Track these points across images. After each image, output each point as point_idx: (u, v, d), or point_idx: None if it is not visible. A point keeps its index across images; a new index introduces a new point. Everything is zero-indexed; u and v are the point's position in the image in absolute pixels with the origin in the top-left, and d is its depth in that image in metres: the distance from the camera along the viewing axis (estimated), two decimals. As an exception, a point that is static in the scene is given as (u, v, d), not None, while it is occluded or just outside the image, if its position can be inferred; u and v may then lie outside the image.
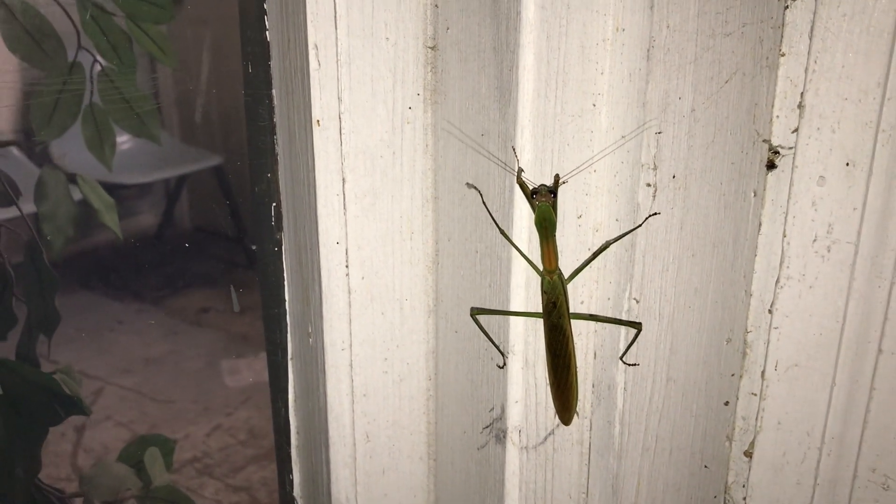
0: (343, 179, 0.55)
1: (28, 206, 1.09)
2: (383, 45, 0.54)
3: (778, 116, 0.53)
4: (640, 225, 0.51)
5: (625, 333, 0.53)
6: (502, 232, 0.52)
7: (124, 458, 0.99)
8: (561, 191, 0.51)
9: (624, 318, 0.53)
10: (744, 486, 0.61)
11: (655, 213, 0.51)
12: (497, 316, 0.54)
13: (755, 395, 0.58)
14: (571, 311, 0.52)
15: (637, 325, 0.51)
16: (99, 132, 1.11)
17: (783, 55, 0.52)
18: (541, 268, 0.51)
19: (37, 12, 1.07)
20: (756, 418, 0.59)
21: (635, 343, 0.53)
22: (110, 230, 1.15)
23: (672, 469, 0.59)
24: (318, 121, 0.53)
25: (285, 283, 0.62)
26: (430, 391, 0.63)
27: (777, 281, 0.55)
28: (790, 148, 0.53)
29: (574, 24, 0.48)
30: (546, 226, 0.48)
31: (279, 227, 0.60)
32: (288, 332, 0.63)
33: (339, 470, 0.62)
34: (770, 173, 0.55)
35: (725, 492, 0.62)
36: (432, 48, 0.55)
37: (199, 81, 0.93)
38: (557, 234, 0.52)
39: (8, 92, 1.27)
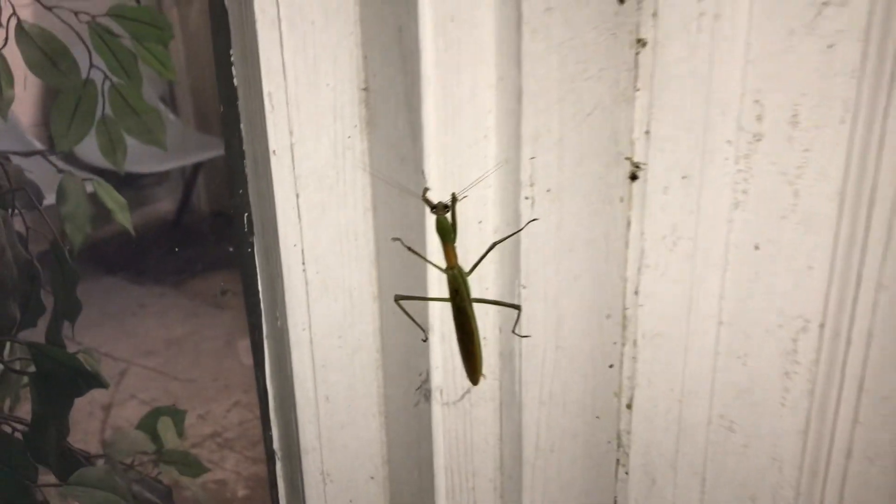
0: (297, 195, 0.70)
1: (50, 203, 1.24)
2: (325, 90, 0.68)
3: (638, 139, 0.67)
4: (521, 229, 0.65)
5: (525, 312, 0.68)
6: (408, 248, 0.66)
7: (141, 427, 1.15)
8: (466, 202, 0.66)
9: (517, 300, 0.68)
10: (628, 433, 0.75)
11: (535, 219, 0.65)
12: (418, 301, 0.69)
13: (634, 359, 0.73)
14: (475, 296, 0.67)
15: (517, 307, 0.66)
16: (111, 140, 1.26)
17: (638, 90, 0.66)
18: (444, 265, 0.65)
19: (53, 36, 1.23)
20: (633, 377, 0.73)
21: (522, 319, 0.68)
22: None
23: (567, 419, 0.74)
24: (273, 151, 0.68)
25: (258, 276, 0.77)
26: (379, 361, 0.78)
27: (639, 269, 0.69)
28: (646, 164, 0.67)
29: (465, 75, 0.63)
30: (443, 234, 0.63)
31: (251, 232, 0.75)
32: (262, 316, 0.78)
33: (306, 426, 0.77)
34: (634, 183, 0.69)
35: (617, 438, 0.77)
36: (365, 89, 0.70)
37: (188, 109, 1.09)
38: (464, 235, 0.67)
39: (32, 108, 1.44)
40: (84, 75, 1.27)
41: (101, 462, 1.03)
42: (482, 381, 0.70)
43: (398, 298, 0.68)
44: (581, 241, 0.68)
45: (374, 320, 0.77)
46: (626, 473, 0.76)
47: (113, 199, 1.31)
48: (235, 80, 0.72)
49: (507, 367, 0.71)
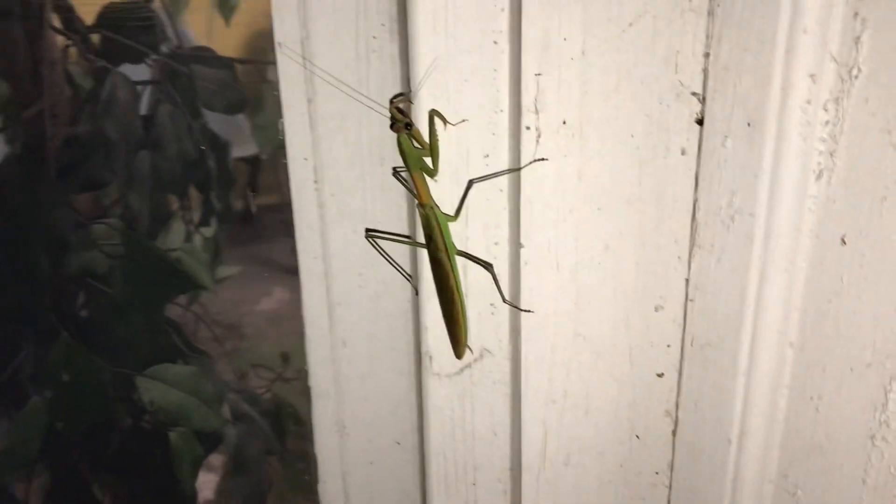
0: (308, 100, 0.60)
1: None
2: (346, -24, 0.57)
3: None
4: (518, 169, 0.50)
5: (526, 279, 0.53)
6: (397, 178, 0.54)
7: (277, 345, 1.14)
8: (467, 128, 0.52)
9: (518, 263, 0.53)
10: (672, 468, 0.57)
11: (541, 159, 0.49)
12: (405, 244, 0.56)
13: (679, 371, 0.54)
14: (461, 248, 0.53)
15: (487, 265, 0.51)
16: None
17: (717, -2, 0.47)
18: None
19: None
20: (678, 395, 0.54)
21: (525, 289, 0.53)
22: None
23: (590, 430, 0.57)
24: (279, 43, 0.59)
25: (291, 190, 0.68)
26: (409, 313, 0.66)
27: (690, 249, 0.50)
28: (704, 100, 0.48)
29: (466, -41, 0.48)
30: (404, 158, 0.50)
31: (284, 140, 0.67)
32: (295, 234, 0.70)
33: (317, 367, 0.68)
34: (703, 128, 0.49)
35: (671, 470, 0.58)
36: (395, -19, 0.57)
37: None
38: (464, 171, 0.53)
39: (255, 17, 1.46)
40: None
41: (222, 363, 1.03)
42: (469, 354, 0.56)
43: (369, 233, 0.56)
44: (617, 199, 0.51)
45: (405, 262, 0.65)
46: (672, 519, 0.58)
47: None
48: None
49: (512, 346, 0.56)
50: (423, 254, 0.56)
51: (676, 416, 0.55)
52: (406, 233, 0.64)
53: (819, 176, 0.43)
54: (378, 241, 0.56)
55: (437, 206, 0.52)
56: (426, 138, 0.50)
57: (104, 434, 0.91)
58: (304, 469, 1.08)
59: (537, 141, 0.49)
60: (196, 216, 1.10)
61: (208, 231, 1.10)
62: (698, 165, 0.50)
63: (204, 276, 0.92)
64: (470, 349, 0.56)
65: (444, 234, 0.52)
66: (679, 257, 0.52)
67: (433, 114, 0.50)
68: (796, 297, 0.46)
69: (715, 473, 0.53)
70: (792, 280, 0.45)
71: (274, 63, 1.27)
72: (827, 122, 0.42)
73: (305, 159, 0.62)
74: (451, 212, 0.52)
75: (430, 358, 0.58)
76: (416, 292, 0.57)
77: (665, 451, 0.57)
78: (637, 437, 0.57)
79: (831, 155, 0.42)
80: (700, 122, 0.49)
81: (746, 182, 0.46)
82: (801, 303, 0.46)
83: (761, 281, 0.46)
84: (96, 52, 1.06)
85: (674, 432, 0.55)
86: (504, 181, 0.52)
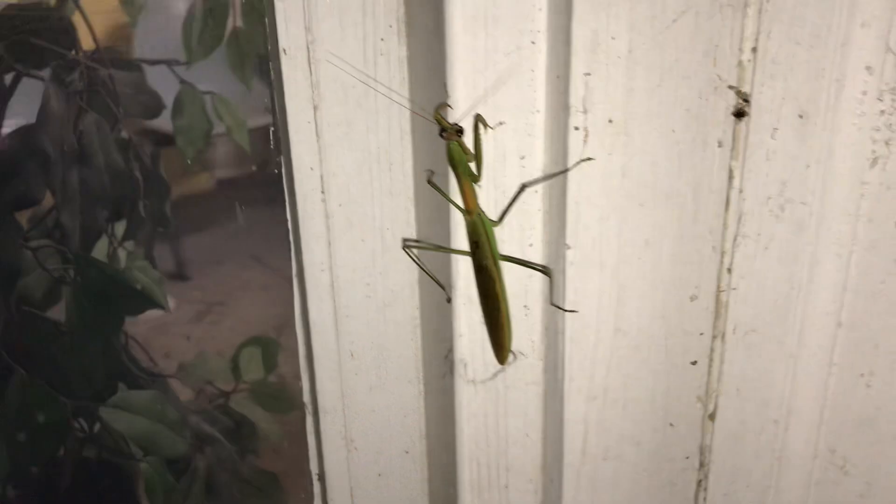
0: (314, 107, 0.57)
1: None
2: (352, -23, 0.55)
3: (750, 60, 0.49)
4: (567, 170, 0.49)
5: (571, 280, 0.53)
6: (431, 183, 0.53)
7: (225, 356, 1.09)
8: (504, 130, 0.51)
9: (561, 264, 0.52)
10: (710, 450, 0.58)
11: (588, 159, 0.49)
12: (442, 252, 0.55)
13: (721, 359, 0.55)
14: (504, 251, 0.52)
15: (546, 270, 0.51)
16: (241, 54, 1.18)
17: (754, -8, 0.48)
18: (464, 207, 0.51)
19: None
20: (719, 381, 0.56)
21: (569, 289, 0.52)
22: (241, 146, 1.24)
23: (628, 422, 0.57)
24: (284, 49, 0.56)
25: (286, 203, 0.66)
26: (417, 319, 0.65)
27: (735, 239, 0.51)
28: (751, 94, 0.49)
29: (505, -41, 0.47)
30: (454, 165, 0.49)
31: (278, 151, 0.64)
32: (291, 250, 0.67)
33: (325, 382, 0.66)
34: (740, 122, 0.50)
35: (700, 454, 0.60)
36: (404, -19, 0.55)
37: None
38: (501, 173, 0.52)
39: (163, 17, 1.39)
40: (216, -18, 1.20)
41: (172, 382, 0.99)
42: (511, 359, 0.56)
43: (407, 244, 0.54)
44: (657, 193, 0.51)
45: (412, 269, 0.64)
46: (706, 501, 0.59)
47: (233, 116, 1.25)
48: (262, -34, 0.60)
49: (553, 347, 0.56)
50: (456, 261, 0.55)
51: (716, 402, 0.56)
52: (416, 237, 0.62)
53: (874, 163, 0.45)
54: (413, 250, 0.55)
55: (484, 213, 0.51)
56: (469, 145, 0.49)
57: (61, 471, 0.85)
58: (265, 486, 1.04)
59: (584, 141, 0.49)
60: (121, 229, 1.05)
61: (131, 245, 1.04)
62: (732, 157, 0.51)
63: (158, 294, 0.87)
64: (513, 353, 0.55)
65: (491, 241, 0.51)
66: (713, 247, 0.53)
67: (478, 119, 0.49)
68: (847, 279, 0.47)
69: (759, 453, 0.54)
70: (843, 264, 0.47)
71: (184, 63, 1.21)
72: (882, 112, 0.43)
73: (312, 169, 0.59)
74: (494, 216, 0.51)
75: (465, 365, 0.57)
76: (449, 300, 0.56)
77: (695, 436, 0.59)
78: (671, 424, 0.58)
79: (886, 143, 0.44)
80: (738, 114, 0.50)
81: (797, 172, 0.47)
82: (853, 284, 0.47)
83: (812, 266, 0.48)
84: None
85: (711, 417, 0.57)
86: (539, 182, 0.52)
